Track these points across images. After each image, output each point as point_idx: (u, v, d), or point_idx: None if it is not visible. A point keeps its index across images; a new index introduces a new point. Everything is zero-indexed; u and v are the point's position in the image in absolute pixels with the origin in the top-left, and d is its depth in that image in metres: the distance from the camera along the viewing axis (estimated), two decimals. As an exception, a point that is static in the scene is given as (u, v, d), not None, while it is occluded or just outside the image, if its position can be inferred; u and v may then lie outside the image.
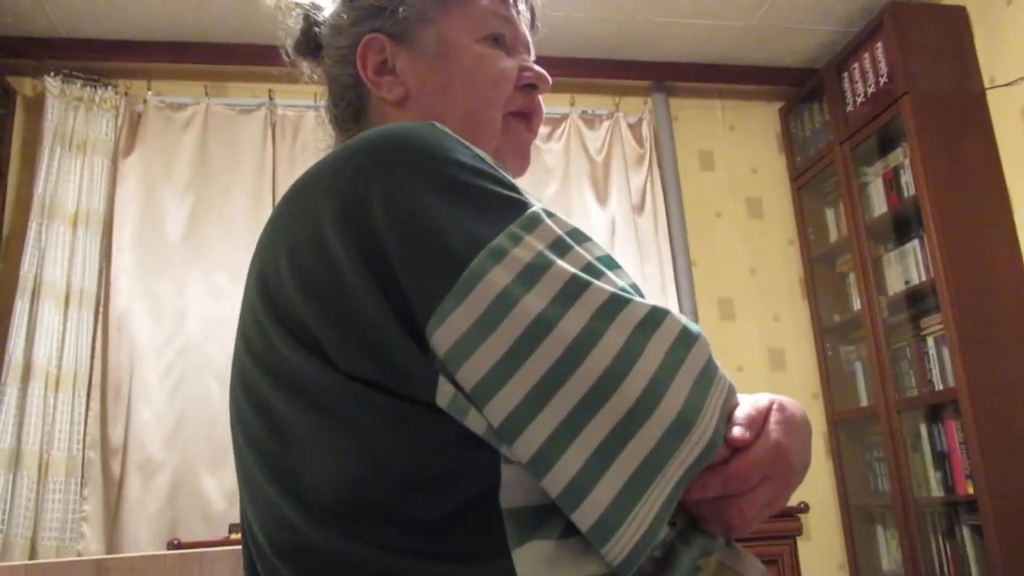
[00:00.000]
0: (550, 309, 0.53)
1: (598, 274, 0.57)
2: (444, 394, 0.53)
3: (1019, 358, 2.67)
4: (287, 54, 0.88)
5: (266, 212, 2.94)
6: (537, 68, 0.81)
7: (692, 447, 0.54)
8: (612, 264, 0.62)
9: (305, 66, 0.88)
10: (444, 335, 0.53)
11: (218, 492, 2.71)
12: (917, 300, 2.96)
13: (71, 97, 2.97)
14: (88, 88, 3.01)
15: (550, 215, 0.60)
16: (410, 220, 0.55)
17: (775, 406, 0.61)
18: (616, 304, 0.55)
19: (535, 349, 0.52)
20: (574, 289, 0.55)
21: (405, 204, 0.56)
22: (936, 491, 2.81)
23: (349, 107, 0.83)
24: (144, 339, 2.80)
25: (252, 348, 0.63)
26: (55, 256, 2.78)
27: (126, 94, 3.07)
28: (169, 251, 2.91)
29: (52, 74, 2.96)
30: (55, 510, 2.60)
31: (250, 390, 0.63)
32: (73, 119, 2.95)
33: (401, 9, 0.79)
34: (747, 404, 0.60)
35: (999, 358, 2.66)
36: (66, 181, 2.88)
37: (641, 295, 0.61)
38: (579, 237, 0.60)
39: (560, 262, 0.56)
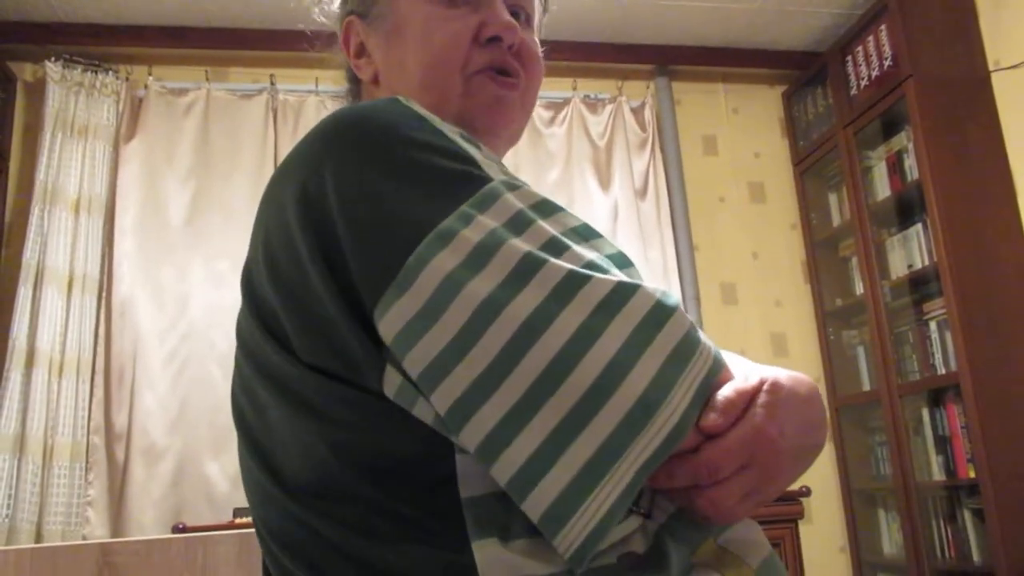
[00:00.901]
0: (499, 292, 0.51)
1: (561, 249, 0.54)
2: (391, 383, 0.52)
3: (1021, 342, 2.67)
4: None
5: (268, 197, 2.93)
6: (503, 18, 0.73)
7: (655, 434, 0.50)
8: (590, 234, 0.59)
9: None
10: (389, 324, 0.51)
11: (222, 476, 2.73)
12: (920, 284, 2.95)
13: (72, 82, 2.97)
14: (89, 73, 3.00)
15: (513, 188, 0.57)
16: (359, 205, 0.54)
17: (765, 385, 0.55)
18: (573, 282, 0.52)
19: (482, 335, 0.50)
20: (527, 268, 0.52)
21: (355, 188, 0.54)
22: (938, 475, 2.82)
23: (351, 90, 0.84)
24: (147, 325, 2.81)
25: (241, 334, 0.64)
26: (57, 242, 2.78)
27: (127, 79, 3.07)
28: (171, 237, 2.92)
29: (53, 59, 2.95)
30: (60, 495, 2.61)
31: (242, 376, 0.64)
32: (74, 104, 2.95)
33: None
34: (732, 384, 0.55)
35: (1001, 342, 2.66)
36: (68, 167, 2.88)
37: (627, 265, 0.58)
38: (546, 209, 0.57)
39: (513, 240, 0.53)
